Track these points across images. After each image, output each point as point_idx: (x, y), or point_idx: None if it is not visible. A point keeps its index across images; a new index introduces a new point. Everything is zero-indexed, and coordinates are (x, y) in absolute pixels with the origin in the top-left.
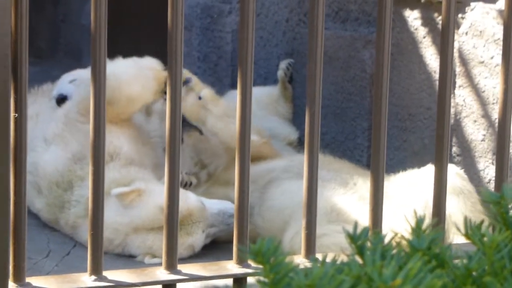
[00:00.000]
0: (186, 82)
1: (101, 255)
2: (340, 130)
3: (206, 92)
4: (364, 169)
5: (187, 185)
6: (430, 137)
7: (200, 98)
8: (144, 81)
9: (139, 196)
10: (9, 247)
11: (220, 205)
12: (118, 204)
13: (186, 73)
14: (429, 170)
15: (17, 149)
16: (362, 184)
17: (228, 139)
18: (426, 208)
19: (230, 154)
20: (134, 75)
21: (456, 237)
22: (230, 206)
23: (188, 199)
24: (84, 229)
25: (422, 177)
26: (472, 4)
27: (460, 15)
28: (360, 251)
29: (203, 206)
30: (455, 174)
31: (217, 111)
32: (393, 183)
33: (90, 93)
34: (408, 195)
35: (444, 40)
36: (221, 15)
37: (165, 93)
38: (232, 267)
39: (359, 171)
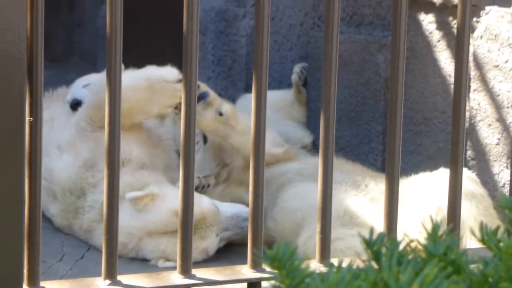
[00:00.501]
0: (203, 97)
1: (116, 259)
2: (354, 133)
3: (228, 108)
4: (376, 171)
5: (204, 187)
6: (444, 141)
7: (221, 114)
8: (148, 95)
9: (152, 200)
10: (24, 251)
11: (234, 209)
12: (132, 208)
13: (203, 87)
14: (442, 173)
15: (32, 153)
16: (374, 186)
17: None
18: (438, 211)
19: (247, 156)
20: (137, 88)
21: (469, 242)
22: (244, 210)
23: (201, 203)
24: (99, 233)
25: (434, 180)
26: (487, 8)
27: (474, 19)
28: (376, 256)
29: (217, 209)
30: (467, 178)
31: (240, 127)
32: (406, 186)
33: (98, 101)
34: (420, 198)
35: (459, 44)
36: (236, 19)
37: (176, 108)
38: (246, 271)
39: (370, 173)
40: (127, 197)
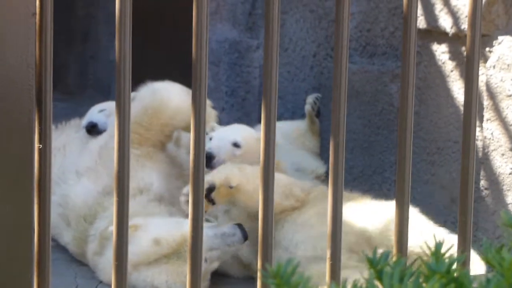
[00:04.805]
0: (211, 190)
1: (126, 285)
2: (367, 163)
3: (236, 179)
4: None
5: None
6: (458, 171)
7: (231, 187)
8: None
9: (135, 231)
10: (34, 279)
11: (218, 229)
12: None
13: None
14: None
15: (41, 180)
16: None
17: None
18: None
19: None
20: (184, 91)
21: None
22: (228, 226)
23: (181, 227)
24: (102, 266)
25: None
26: (500, 38)
27: (487, 49)
28: (379, 275)
29: None
30: None
31: (247, 190)
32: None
33: (143, 104)
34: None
35: (469, 71)
36: (249, 50)
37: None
38: None
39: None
40: (109, 230)
